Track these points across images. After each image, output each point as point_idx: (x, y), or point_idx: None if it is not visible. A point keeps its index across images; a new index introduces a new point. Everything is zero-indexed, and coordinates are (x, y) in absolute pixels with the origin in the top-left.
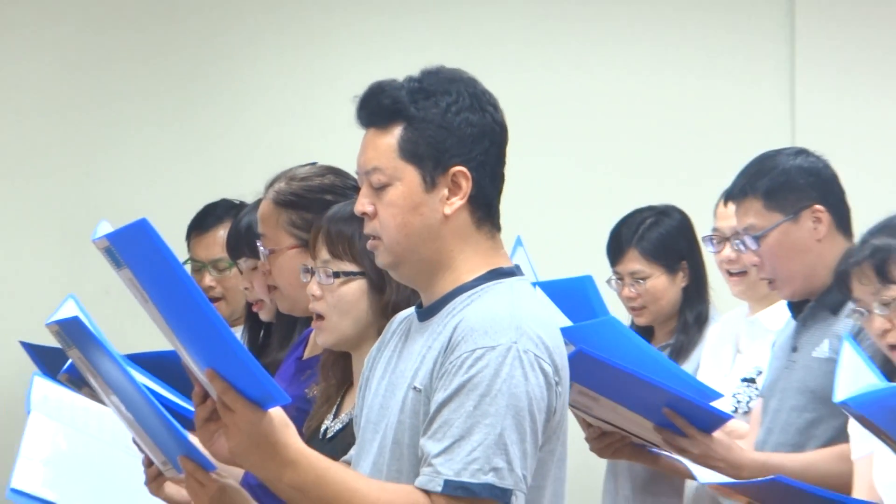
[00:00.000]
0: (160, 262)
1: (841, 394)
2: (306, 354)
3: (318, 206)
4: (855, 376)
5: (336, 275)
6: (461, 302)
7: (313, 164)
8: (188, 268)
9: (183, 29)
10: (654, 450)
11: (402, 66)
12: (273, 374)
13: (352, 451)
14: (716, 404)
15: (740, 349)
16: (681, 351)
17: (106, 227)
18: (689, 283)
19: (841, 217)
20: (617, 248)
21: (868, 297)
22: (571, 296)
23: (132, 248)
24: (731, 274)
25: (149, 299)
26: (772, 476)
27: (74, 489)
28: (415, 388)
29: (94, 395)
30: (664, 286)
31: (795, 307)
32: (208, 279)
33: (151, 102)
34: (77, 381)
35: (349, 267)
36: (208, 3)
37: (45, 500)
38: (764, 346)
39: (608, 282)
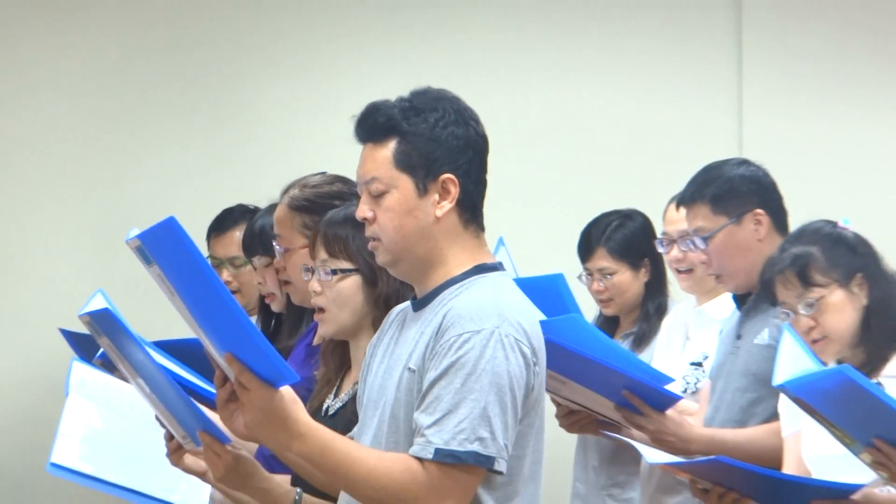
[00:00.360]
0: (185, 254)
1: (780, 378)
2: (315, 341)
3: (327, 210)
4: (793, 362)
5: (334, 272)
6: (450, 293)
7: (323, 173)
8: None
9: (205, 56)
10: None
11: (396, 89)
12: (284, 359)
13: (355, 429)
14: (668, 387)
15: (689, 336)
16: (643, 338)
17: (136, 232)
18: (651, 278)
19: (779, 220)
20: (587, 247)
21: (793, 300)
22: (545, 291)
23: (161, 244)
24: (679, 272)
25: (175, 292)
26: (714, 457)
27: (108, 463)
28: (409, 368)
29: (124, 378)
30: (629, 281)
31: (740, 299)
32: (225, 275)
33: (176, 121)
34: (109, 366)
35: (345, 265)
36: (229, 33)
37: (82, 473)
38: (710, 333)
39: (579, 277)
